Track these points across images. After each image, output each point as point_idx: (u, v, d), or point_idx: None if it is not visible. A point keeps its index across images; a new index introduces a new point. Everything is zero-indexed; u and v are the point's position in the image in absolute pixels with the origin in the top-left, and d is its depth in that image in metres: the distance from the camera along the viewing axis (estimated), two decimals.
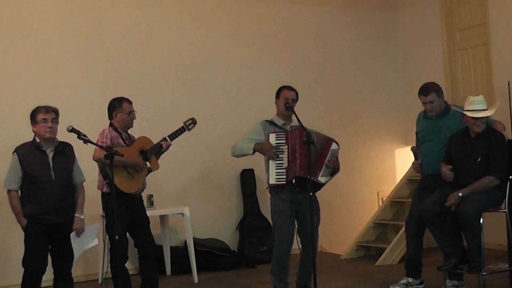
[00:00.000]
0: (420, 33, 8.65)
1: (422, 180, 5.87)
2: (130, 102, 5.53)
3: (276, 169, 5.44)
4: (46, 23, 7.07)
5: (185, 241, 7.00)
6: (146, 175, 5.57)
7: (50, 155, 5.03)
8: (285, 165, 5.41)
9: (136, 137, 5.59)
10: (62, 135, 5.16)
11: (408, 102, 8.71)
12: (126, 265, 5.45)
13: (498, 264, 6.15)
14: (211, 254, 7.31)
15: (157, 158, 5.65)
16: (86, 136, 4.98)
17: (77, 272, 6.65)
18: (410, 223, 5.88)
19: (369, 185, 8.72)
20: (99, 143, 5.23)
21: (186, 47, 7.74)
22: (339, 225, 8.32)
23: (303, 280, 5.63)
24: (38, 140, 5.01)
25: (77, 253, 5.18)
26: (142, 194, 5.66)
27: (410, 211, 5.98)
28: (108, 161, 4.92)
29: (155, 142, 5.62)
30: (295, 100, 5.59)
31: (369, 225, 7.89)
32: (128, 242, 5.51)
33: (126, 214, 5.31)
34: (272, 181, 5.45)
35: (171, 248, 7.25)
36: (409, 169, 7.83)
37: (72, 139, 5.09)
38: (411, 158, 5.86)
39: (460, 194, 5.22)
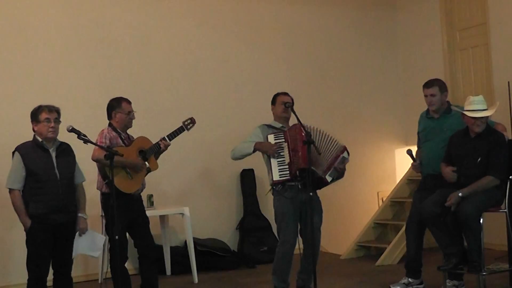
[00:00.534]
0: (420, 33, 8.65)
1: (423, 180, 5.87)
2: (129, 102, 5.53)
3: (279, 165, 5.45)
4: (46, 23, 7.07)
5: (185, 241, 7.00)
6: (145, 175, 5.57)
7: (53, 154, 5.02)
8: (287, 160, 5.42)
9: (135, 137, 5.59)
10: (62, 135, 5.15)
11: (408, 102, 8.73)
12: (126, 265, 5.45)
13: (498, 264, 6.16)
14: (211, 254, 7.31)
15: (156, 158, 5.65)
16: (86, 136, 4.99)
17: (77, 272, 6.65)
18: (411, 223, 5.88)
19: (369, 185, 8.72)
20: (98, 143, 5.23)
21: (186, 47, 7.74)
22: (339, 225, 8.31)
23: (304, 280, 5.63)
24: (39, 139, 4.99)
25: (73, 252, 5.17)
26: (142, 194, 5.66)
27: (411, 211, 5.98)
28: (108, 161, 4.91)
29: (154, 142, 5.61)
30: (291, 104, 5.59)
31: (369, 225, 7.89)
32: (127, 242, 5.51)
33: (125, 214, 5.31)
34: (276, 177, 5.45)
35: (171, 248, 7.25)
36: (409, 169, 7.81)
37: (72, 139, 5.09)
38: (410, 158, 5.86)
39: (460, 194, 5.22)
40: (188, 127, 5.85)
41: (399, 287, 5.86)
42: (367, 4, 8.83)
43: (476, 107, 5.32)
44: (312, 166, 5.30)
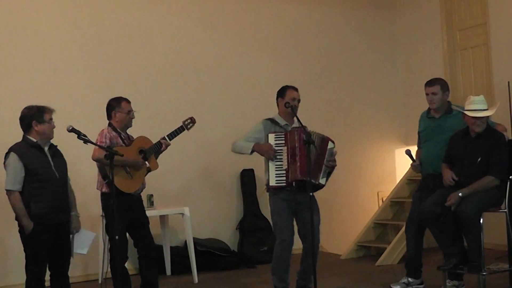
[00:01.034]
0: (420, 33, 8.65)
1: (423, 180, 5.87)
2: (128, 102, 5.53)
3: (276, 170, 5.42)
4: (46, 23, 7.07)
5: (185, 241, 7.00)
6: (145, 175, 5.57)
7: (49, 154, 5.01)
8: (285, 166, 5.40)
9: (135, 137, 5.58)
10: (63, 135, 5.15)
11: (408, 102, 8.73)
12: (126, 265, 5.45)
13: (498, 264, 6.16)
14: (211, 254, 7.31)
15: (156, 158, 5.65)
16: (86, 136, 4.98)
17: (77, 272, 6.67)
18: (411, 223, 5.88)
19: (369, 185, 8.72)
20: (98, 143, 5.23)
21: (186, 47, 7.74)
22: (339, 225, 8.32)
23: (304, 280, 5.63)
24: (34, 139, 4.97)
25: (72, 252, 5.16)
26: (142, 194, 5.66)
27: (411, 211, 5.98)
28: (108, 161, 4.91)
29: (155, 142, 5.61)
30: (291, 105, 5.55)
31: (369, 225, 7.89)
32: (127, 242, 5.51)
33: (125, 214, 5.31)
34: (272, 183, 5.44)
35: (171, 248, 7.25)
36: (409, 169, 7.78)
37: (72, 139, 5.08)
38: (409, 159, 5.86)
39: (460, 194, 5.22)
40: (188, 126, 5.85)
41: (399, 287, 5.87)
42: (367, 4, 8.83)
43: (476, 107, 5.32)
44: (308, 176, 5.29)
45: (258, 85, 7.99)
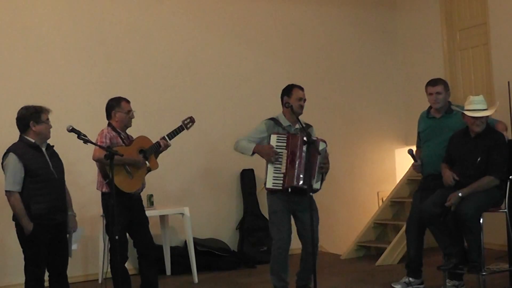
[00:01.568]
0: (420, 33, 8.65)
1: (423, 180, 5.87)
2: (128, 102, 5.53)
3: (274, 173, 5.43)
4: (46, 22, 7.07)
5: (185, 241, 7.00)
6: (145, 174, 5.57)
7: (47, 154, 5.01)
8: (283, 170, 5.40)
9: (134, 137, 5.59)
10: (62, 135, 5.15)
11: (408, 102, 8.73)
12: (126, 265, 5.45)
13: (498, 264, 6.16)
14: (211, 254, 7.30)
15: (156, 157, 5.65)
16: (86, 136, 4.98)
17: (76, 272, 6.68)
18: (411, 223, 5.88)
19: (369, 185, 8.72)
20: (98, 143, 5.23)
21: (186, 47, 7.74)
22: (339, 225, 8.32)
23: (303, 280, 5.63)
24: (32, 140, 4.96)
25: (70, 251, 5.16)
26: (142, 194, 5.66)
27: (411, 211, 5.98)
28: (108, 161, 4.91)
29: (154, 141, 5.62)
30: (305, 100, 5.59)
31: (369, 225, 7.89)
32: (127, 242, 5.51)
33: (125, 214, 5.31)
34: (269, 185, 5.46)
35: (171, 248, 7.24)
36: (409, 169, 7.82)
37: (72, 139, 5.08)
38: (411, 158, 5.86)
39: (460, 194, 5.22)
40: (188, 126, 5.85)
41: (400, 286, 5.87)
42: (367, 4, 8.83)
43: (476, 107, 5.32)
44: (304, 184, 5.31)
45: (258, 85, 7.99)
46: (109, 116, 5.50)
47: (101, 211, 6.37)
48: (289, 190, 5.40)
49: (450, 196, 5.25)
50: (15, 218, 4.93)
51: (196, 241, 7.13)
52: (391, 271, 6.72)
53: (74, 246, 5.21)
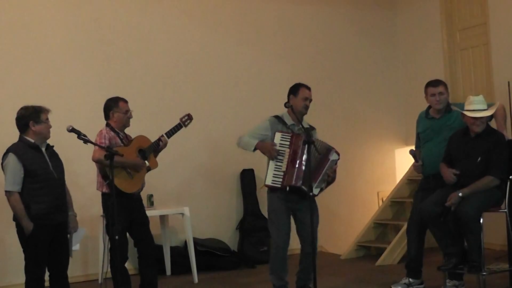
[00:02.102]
0: (420, 33, 8.65)
1: (424, 180, 5.86)
2: (126, 101, 5.53)
3: (275, 170, 5.44)
4: (46, 23, 7.07)
5: (185, 241, 7.01)
6: (145, 174, 5.57)
7: (46, 154, 5.01)
8: (283, 168, 5.41)
9: (133, 137, 5.59)
10: (62, 135, 5.15)
11: (408, 102, 8.73)
12: (126, 265, 5.45)
13: (498, 264, 6.15)
14: (211, 254, 7.31)
15: (156, 156, 5.66)
16: (86, 136, 4.98)
17: (76, 272, 6.67)
18: (412, 223, 5.88)
19: (369, 185, 8.72)
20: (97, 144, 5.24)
21: (186, 47, 7.74)
22: (339, 225, 8.32)
23: (303, 280, 5.63)
24: (32, 140, 4.96)
25: (71, 251, 5.16)
26: (142, 194, 5.66)
27: (412, 211, 5.98)
28: (108, 161, 4.91)
29: (153, 140, 5.62)
30: (311, 100, 5.60)
31: (369, 225, 7.89)
32: (128, 242, 5.51)
33: (126, 214, 5.31)
34: (268, 182, 5.46)
35: (171, 248, 7.25)
36: (409, 169, 7.83)
37: (72, 139, 5.08)
38: (411, 158, 5.85)
39: (460, 194, 5.22)
40: (186, 123, 5.85)
41: (400, 287, 5.86)
42: (367, 4, 8.83)
43: (476, 107, 5.32)
44: (303, 184, 5.32)
45: (258, 85, 7.99)
46: (107, 116, 5.50)
47: (101, 211, 6.37)
48: (287, 189, 5.40)
49: (450, 196, 5.25)
50: (15, 218, 4.93)
51: (196, 241, 7.13)
52: (391, 271, 6.72)
53: (76, 247, 5.21)
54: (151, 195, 6.82)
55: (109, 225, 5.31)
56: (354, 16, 8.74)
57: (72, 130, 4.93)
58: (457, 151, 5.46)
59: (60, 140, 5.22)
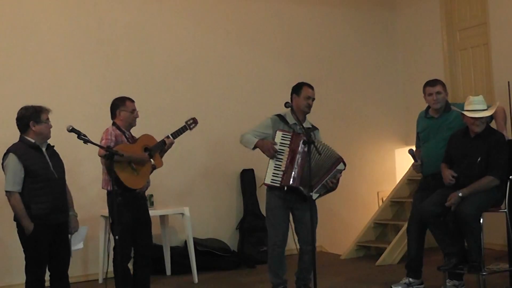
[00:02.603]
0: (420, 33, 8.65)
1: (423, 180, 5.87)
2: (132, 101, 5.55)
3: (274, 169, 5.45)
4: (46, 23, 7.07)
5: (185, 241, 7.00)
6: (151, 173, 5.58)
7: (47, 154, 5.01)
8: (283, 168, 5.42)
9: (137, 137, 5.59)
10: (62, 135, 5.15)
11: (408, 102, 8.73)
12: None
13: (498, 264, 6.16)
14: (211, 254, 7.31)
15: (161, 156, 5.67)
16: (86, 136, 4.97)
17: (77, 272, 6.67)
18: (412, 223, 5.88)
19: (369, 185, 8.72)
20: (103, 141, 5.25)
21: (186, 47, 7.74)
22: (339, 225, 8.32)
23: (303, 280, 5.63)
24: (32, 140, 4.96)
25: (71, 251, 5.15)
26: None
27: (412, 211, 5.98)
28: (115, 156, 4.91)
29: (159, 140, 5.63)
30: (314, 99, 5.62)
31: (369, 225, 7.89)
32: (132, 242, 5.47)
33: (131, 212, 5.31)
34: (268, 181, 5.47)
35: (171, 248, 7.24)
36: (409, 169, 7.83)
37: (72, 139, 5.08)
38: (411, 158, 5.86)
39: (460, 194, 5.22)
40: (191, 126, 5.88)
41: (400, 287, 5.87)
42: (367, 4, 8.83)
43: (476, 107, 5.32)
44: (301, 185, 5.32)
45: (258, 85, 7.99)
46: (113, 115, 5.51)
47: (101, 211, 6.38)
48: (285, 188, 5.41)
49: (450, 196, 5.25)
50: (16, 218, 4.93)
51: (196, 241, 7.13)
52: (391, 271, 6.72)
53: (80, 244, 5.22)
54: (151, 195, 6.81)
55: (114, 224, 5.28)
56: (354, 16, 8.74)
57: (72, 130, 4.93)
58: (457, 151, 5.46)
59: (60, 141, 5.22)
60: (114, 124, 5.48)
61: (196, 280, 6.77)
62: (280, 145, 5.44)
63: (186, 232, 6.87)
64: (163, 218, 7.13)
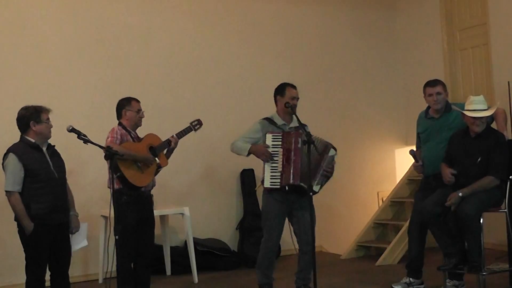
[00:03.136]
0: (420, 33, 8.65)
1: (424, 180, 5.86)
2: (138, 101, 5.57)
3: (271, 172, 5.45)
4: (46, 23, 7.07)
5: (185, 241, 7.00)
6: (156, 173, 5.57)
7: (47, 154, 5.01)
8: (280, 168, 5.42)
9: (142, 137, 5.60)
10: (62, 135, 5.15)
11: (408, 102, 8.73)
12: None
13: (498, 264, 6.16)
14: (211, 254, 7.31)
15: (169, 156, 5.67)
16: (86, 136, 4.97)
17: (77, 272, 6.68)
18: (413, 223, 5.88)
19: (369, 185, 8.72)
20: (109, 139, 5.28)
21: (186, 47, 7.74)
22: (339, 225, 8.32)
23: (303, 280, 5.64)
24: (32, 140, 4.97)
25: (72, 251, 5.15)
26: None
27: (413, 212, 5.97)
28: (117, 152, 4.92)
29: (164, 140, 5.63)
30: (298, 98, 5.59)
31: (369, 225, 7.89)
32: (135, 241, 5.45)
33: (137, 211, 5.31)
34: (267, 184, 5.48)
35: (171, 248, 7.25)
36: (409, 169, 7.84)
37: (72, 139, 5.08)
38: (412, 158, 5.85)
39: (460, 194, 5.22)
40: (196, 127, 5.89)
41: (400, 287, 5.87)
42: (367, 4, 8.83)
43: (476, 107, 5.32)
44: (301, 182, 5.32)
45: (258, 85, 7.99)
46: (119, 115, 5.53)
47: (101, 211, 6.37)
48: (286, 188, 5.40)
49: (450, 196, 5.25)
50: (17, 218, 4.93)
51: (196, 241, 7.13)
52: (391, 271, 6.72)
53: (84, 242, 5.22)
54: (151, 195, 6.81)
55: (120, 223, 5.25)
56: (354, 16, 8.74)
57: (72, 130, 4.93)
58: (457, 151, 5.46)
59: (60, 141, 5.22)
60: (120, 124, 5.50)
61: (196, 280, 6.77)
62: (272, 147, 5.45)
63: (186, 232, 6.87)
64: (163, 218, 7.14)
